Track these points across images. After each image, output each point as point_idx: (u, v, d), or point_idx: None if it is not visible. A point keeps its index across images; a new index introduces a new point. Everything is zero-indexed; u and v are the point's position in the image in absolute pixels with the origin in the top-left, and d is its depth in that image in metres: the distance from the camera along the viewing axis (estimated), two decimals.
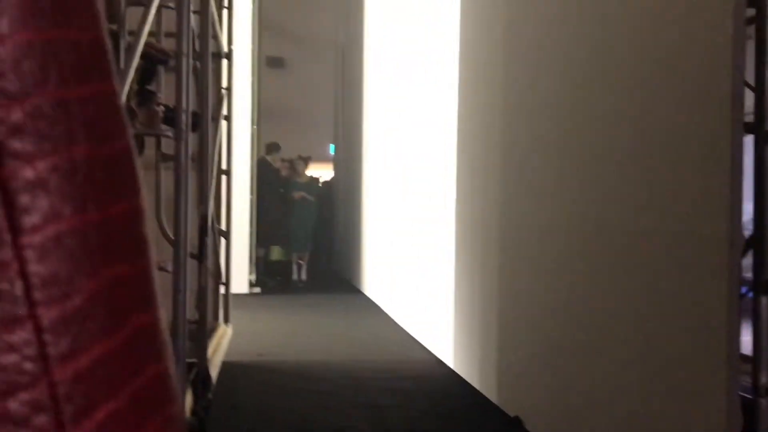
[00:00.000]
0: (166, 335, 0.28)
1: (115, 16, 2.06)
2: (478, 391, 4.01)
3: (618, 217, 2.57)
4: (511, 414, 3.50)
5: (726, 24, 2.01)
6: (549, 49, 3.23)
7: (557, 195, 3.11)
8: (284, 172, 9.98)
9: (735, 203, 1.98)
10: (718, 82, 2.03)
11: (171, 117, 2.27)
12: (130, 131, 0.29)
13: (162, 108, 2.23)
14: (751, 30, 2.20)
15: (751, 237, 2.14)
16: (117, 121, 0.27)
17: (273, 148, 10.03)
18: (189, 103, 2.21)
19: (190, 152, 2.25)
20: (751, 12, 2.22)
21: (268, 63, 12.92)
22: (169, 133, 2.19)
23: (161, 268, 2.26)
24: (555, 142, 3.14)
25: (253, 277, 8.71)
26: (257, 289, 8.59)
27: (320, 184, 10.90)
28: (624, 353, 2.49)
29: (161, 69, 2.93)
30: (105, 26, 0.28)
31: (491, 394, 3.84)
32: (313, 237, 9.80)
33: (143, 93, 2.19)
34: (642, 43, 2.44)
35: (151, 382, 0.26)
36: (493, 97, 3.98)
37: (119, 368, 0.25)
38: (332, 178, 11.64)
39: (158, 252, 2.30)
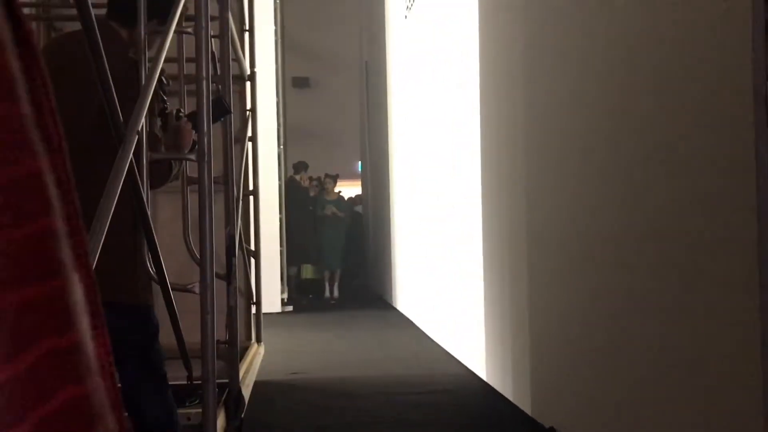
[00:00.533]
0: (92, 356, 0.27)
1: (136, 43, 2.11)
2: (512, 403, 3.97)
3: (647, 221, 2.55)
4: (546, 425, 3.46)
5: (747, 18, 1.99)
6: (570, 56, 3.22)
7: (585, 202, 3.09)
8: (312, 191, 10.05)
9: (763, 202, 1.95)
10: (742, 78, 2.01)
11: (217, 110, 2.30)
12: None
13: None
14: None
15: None
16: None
17: (301, 167, 10.11)
18: (210, 126, 2.24)
19: (213, 174, 2.28)
20: None
21: (293, 83, 13.05)
22: (192, 157, 2.23)
23: (188, 290, 2.29)
24: (580, 148, 3.13)
25: (285, 296, 8.76)
26: (289, 308, 8.63)
27: (348, 199, 10.90)
28: (659, 360, 2.45)
29: (184, 92, 2.99)
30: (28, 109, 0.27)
31: (525, 405, 3.80)
32: (343, 254, 9.80)
33: (164, 117, 2.23)
34: (663, 42, 2.43)
35: (66, 406, 0.25)
36: (515, 107, 3.97)
37: (25, 394, 0.24)
38: (360, 195, 11.66)
39: (187, 274, 2.32)
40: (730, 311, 2.07)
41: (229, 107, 2.57)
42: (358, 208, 11.47)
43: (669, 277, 2.39)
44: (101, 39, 1.60)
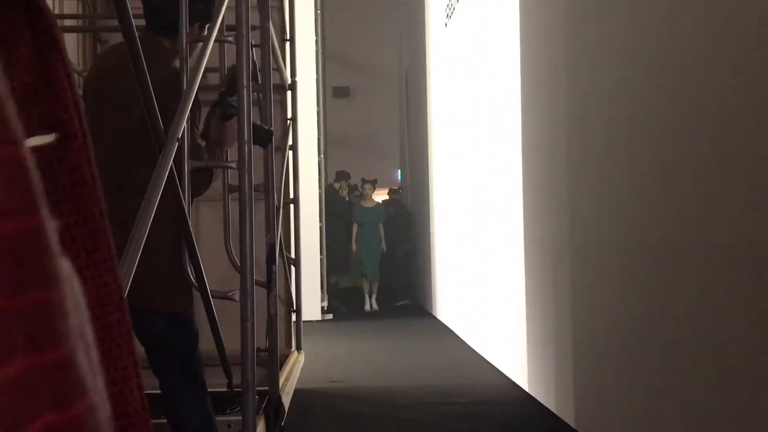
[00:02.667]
0: (76, 376, 0.24)
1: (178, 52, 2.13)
2: (555, 415, 3.91)
3: (695, 229, 2.48)
4: None
5: None
6: (613, 59, 3.17)
7: (629, 209, 3.03)
8: (348, 198, 10.00)
9: None
10: None
11: (257, 136, 2.31)
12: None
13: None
14: None
15: None
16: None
17: (341, 176, 10.14)
18: (251, 135, 2.25)
19: (253, 183, 2.28)
20: None
21: (333, 93, 13.13)
22: (234, 165, 2.24)
23: (228, 298, 2.30)
24: (625, 153, 3.07)
25: (326, 304, 8.78)
26: (329, 316, 8.64)
27: (389, 197, 10.65)
28: (708, 372, 2.39)
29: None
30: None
31: (569, 417, 3.74)
32: (380, 265, 9.61)
33: (205, 139, 2.26)
34: (713, 41, 2.37)
35: None
36: (557, 113, 3.92)
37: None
38: (400, 197, 11.53)
39: (228, 282, 2.33)
40: None
41: (267, 132, 2.55)
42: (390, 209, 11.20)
43: (716, 286, 2.32)
44: (144, 50, 1.62)
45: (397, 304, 9.82)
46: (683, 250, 2.54)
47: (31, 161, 0.25)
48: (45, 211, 0.24)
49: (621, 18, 3.07)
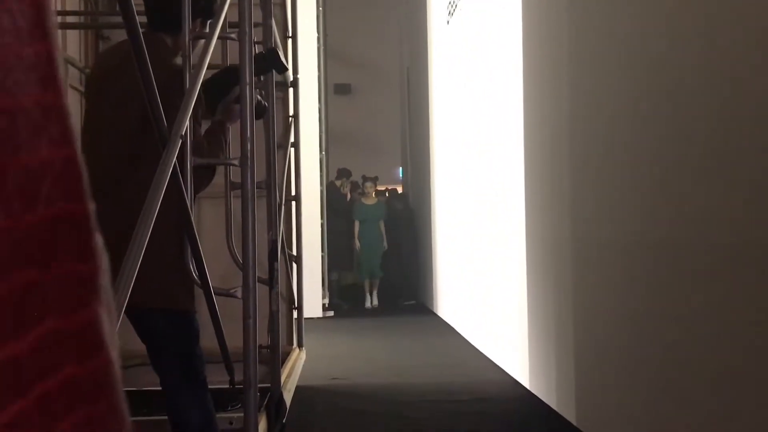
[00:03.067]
0: (97, 337, 0.29)
1: (180, 49, 2.13)
2: (556, 412, 3.91)
3: (696, 229, 2.48)
4: None
5: None
6: (616, 57, 3.17)
7: (631, 208, 3.03)
8: (349, 196, 9.98)
9: None
10: None
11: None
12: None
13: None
14: None
15: None
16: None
17: (343, 173, 10.13)
18: (254, 132, 2.25)
19: (256, 179, 2.28)
20: None
21: (335, 90, 13.12)
22: (236, 162, 2.24)
23: (231, 295, 2.30)
24: (627, 152, 3.07)
25: (327, 301, 8.78)
26: (331, 313, 8.65)
27: (388, 194, 10.60)
28: (709, 371, 2.38)
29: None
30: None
31: (570, 415, 3.74)
32: (381, 262, 9.60)
33: (211, 112, 2.25)
34: (715, 41, 2.36)
35: (65, 384, 0.26)
36: (560, 111, 3.92)
37: (27, 370, 0.25)
38: (403, 192, 11.50)
39: (230, 279, 2.33)
40: None
41: (281, 62, 2.60)
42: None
43: (720, 286, 2.32)
44: (146, 47, 1.61)
45: (405, 303, 9.80)
46: (684, 249, 2.54)
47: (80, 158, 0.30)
48: (88, 196, 0.29)
49: (623, 17, 3.07)
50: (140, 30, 1.58)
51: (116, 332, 0.30)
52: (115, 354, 0.29)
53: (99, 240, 0.29)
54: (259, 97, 2.46)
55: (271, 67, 2.66)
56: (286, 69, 2.72)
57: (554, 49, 4.00)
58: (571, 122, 3.75)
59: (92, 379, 0.28)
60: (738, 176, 2.22)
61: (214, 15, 2.19)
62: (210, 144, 2.21)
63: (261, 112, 2.50)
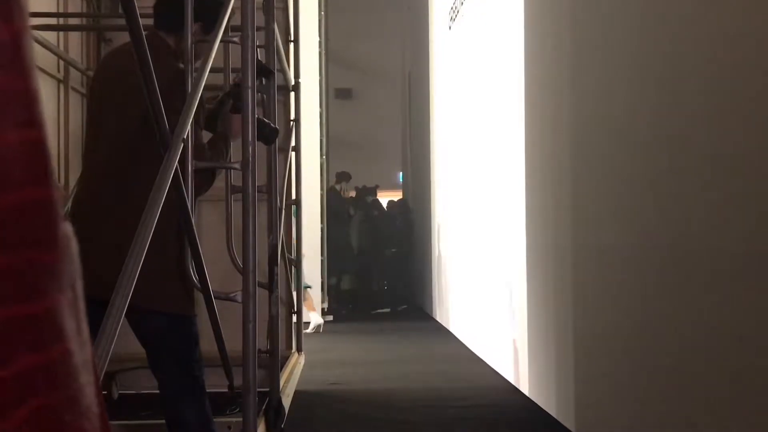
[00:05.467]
0: (55, 327, 0.29)
1: (182, 53, 2.13)
2: (555, 420, 3.90)
3: (698, 235, 2.47)
4: None
5: None
6: (619, 62, 3.17)
7: (632, 213, 3.02)
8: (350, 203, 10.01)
9: None
10: None
11: (263, 133, 2.31)
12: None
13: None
14: None
15: None
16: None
17: (343, 177, 10.13)
18: (255, 136, 2.25)
19: (257, 183, 2.28)
20: None
21: (336, 94, 13.13)
22: (237, 166, 2.23)
23: (230, 299, 2.29)
24: (628, 156, 3.06)
25: (326, 305, 8.77)
26: (329, 317, 8.64)
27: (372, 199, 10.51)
28: (713, 377, 2.38)
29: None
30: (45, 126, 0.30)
31: (569, 422, 3.73)
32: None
33: (211, 129, 2.25)
34: (717, 44, 2.36)
35: (20, 373, 0.26)
36: (561, 114, 3.92)
37: None
38: (399, 200, 11.49)
39: (230, 283, 2.32)
40: None
41: (273, 130, 2.57)
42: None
43: (721, 291, 2.31)
44: (149, 49, 1.61)
45: (398, 309, 9.81)
46: (686, 255, 2.53)
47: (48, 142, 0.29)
48: (54, 182, 0.28)
49: (627, 22, 3.07)
50: (143, 32, 1.58)
51: (84, 322, 0.30)
52: (76, 345, 0.29)
53: (66, 228, 0.29)
54: (266, 120, 2.45)
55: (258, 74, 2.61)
56: (272, 73, 2.71)
57: (556, 54, 4.00)
58: (573, 128, 3.74)
59: (49, 369, 0.27)
60: (740, 181, 2.22)
61: (214, 25, 2.18)
62: (212, 150, 2.21)
63: (272, 135, 2.48)
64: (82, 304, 0.30)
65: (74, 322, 0.28)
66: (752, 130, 2.15)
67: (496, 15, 5.44)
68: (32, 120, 0.28)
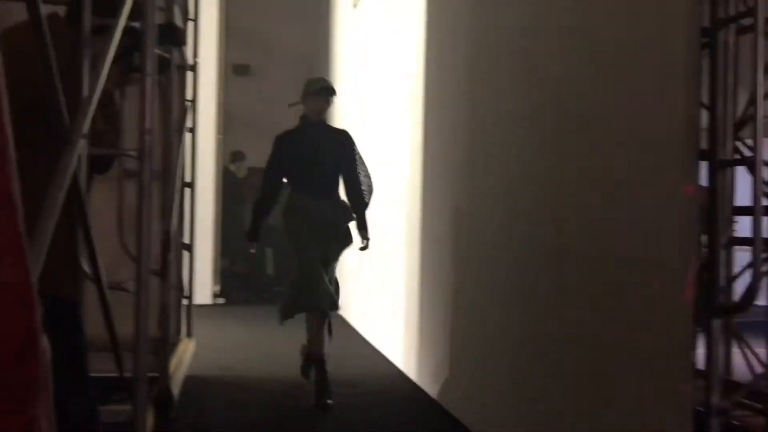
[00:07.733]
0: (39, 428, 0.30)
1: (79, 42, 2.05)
2: (440, 405, 4.03)
3: (576, 237, 2.62)
4: (474, 429, 3.53)
5: (680, 50, 2.07)
6: (513, 61, 3.28)
7: (510, 213, 3.15)
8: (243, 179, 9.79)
9: (688, 228, 2.04)
10: (674, 109, 2.09)
11: (170, 35, 2.24)
12: None
13: None
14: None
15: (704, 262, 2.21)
16: None
17: (237, 156, 9.95)
18: (154, 121, 2.20)
19: (154, 170, 2.24)
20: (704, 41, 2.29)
21: (234, 70, 12.85)
22: (133, 154, 2.18)
23: (123, 289, 2.25)
24: (510, 159, 3.18)
25: (218, 288, 8.64)
26: (221, 300, 8.53)
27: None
28: (583, 367, 2.53)
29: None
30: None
31: (451, 406, 3.87)
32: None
33: (108, 113, 2.19)
34: (597, 58, 2.50)
35: None
36: (458, 111, 4.02)
37: None
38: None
39: (120, 271, 2.26)
40: (655, 325, 2.14)
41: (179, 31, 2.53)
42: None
43: (593, 290, 2.46)
44: (49, 29, 1.56)
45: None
46: (562, 254, 2.68)
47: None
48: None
49: (523, 12, 3.17)
50: (41, 11, 1.52)
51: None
52: None
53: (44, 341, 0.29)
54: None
55: (168, 40, 2.59)
56: (184, 44, 2.67)
57: (456, 31, 4.08)
58: (468, 126, 3.84)
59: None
60: (610, 190, 2.36)
61: (133, 63, 2.13)
62: (107, 124, 2.15)
63: (179, 36, 2.41)
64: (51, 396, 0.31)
65: (46, 420, 0.29)
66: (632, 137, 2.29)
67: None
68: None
